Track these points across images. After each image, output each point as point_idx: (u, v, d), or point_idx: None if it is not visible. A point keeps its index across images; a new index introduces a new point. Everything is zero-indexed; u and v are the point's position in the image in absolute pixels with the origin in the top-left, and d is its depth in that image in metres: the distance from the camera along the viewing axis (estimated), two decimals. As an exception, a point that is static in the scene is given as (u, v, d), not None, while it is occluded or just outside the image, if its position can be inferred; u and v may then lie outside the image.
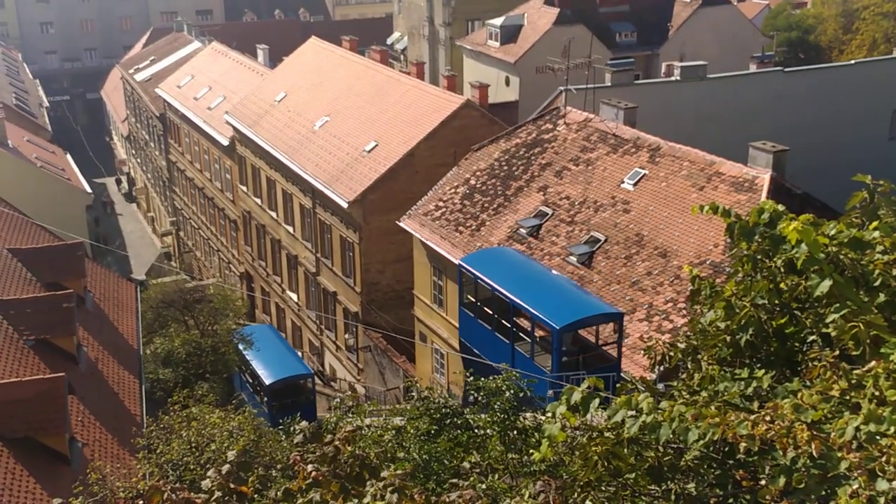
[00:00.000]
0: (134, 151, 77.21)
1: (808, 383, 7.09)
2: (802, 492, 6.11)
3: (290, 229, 44.27)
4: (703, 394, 7.34)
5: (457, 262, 28.52)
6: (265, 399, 34.86)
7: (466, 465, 11.92)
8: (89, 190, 49.64)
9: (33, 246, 29.76)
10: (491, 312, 26.55)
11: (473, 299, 27.65)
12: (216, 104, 52.23)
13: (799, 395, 6.72)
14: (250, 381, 36.90)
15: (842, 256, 7.58)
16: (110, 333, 28.90)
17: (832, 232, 7.80)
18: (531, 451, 12.31)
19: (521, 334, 25.47)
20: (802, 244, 7.50)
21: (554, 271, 27.17)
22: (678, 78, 40.97)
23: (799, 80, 43.43)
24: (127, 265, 59.54)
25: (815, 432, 6.17)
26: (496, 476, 12.31)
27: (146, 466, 19.29)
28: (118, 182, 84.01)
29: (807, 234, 7.49)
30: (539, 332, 24.91)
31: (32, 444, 20.71)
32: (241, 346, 35.77)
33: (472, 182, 34.01)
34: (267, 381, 34.82)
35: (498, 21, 58.60)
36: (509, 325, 25.47)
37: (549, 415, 7.45)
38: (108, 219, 70.69)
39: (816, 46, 71.52)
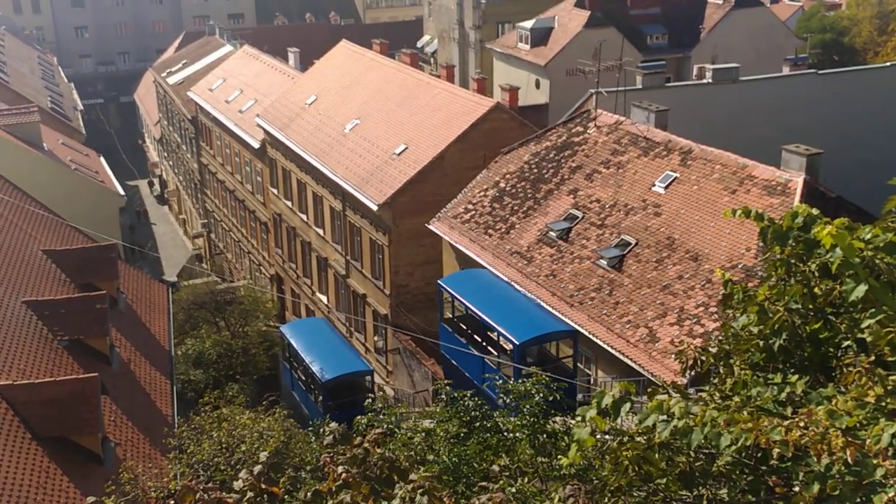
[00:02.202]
0: (166, 154, 77.93)
1: (842, 389, 7.00)
2: (837, 499, 6.03)
3: (321, 232, 44.46)
4: (736, 399, 7.26)
5: (439, 282, 31.16)
6: (320, 398, 32.14)
7: (496, 468, 11.89)
8: (122, 192, 50.16)
9: (67, 247, 30.13)
10: (465, 328, 29.49)
11: (451, 316, 30.45)
12: (247, 107, 52.59)
13: (833, 401, 6.64)
14: (303, 378, 34.37)
15: (877, 261, 7.48)
16: (142, 334, 29.18)
17: (867, 236, 7.69)
18: (561, 455, 12.26)
19: (490, 348, 28.08)
20: (837, 248, 7.40)
21: (522, 290, 29.22)
22: (710, 80, 40.68)
23: (833, 82, 42.98)
24: (159, 267, 60.10)
25: (850, 439, 6.09)
26: (526, 479, 12.27)
27: (177, 466, 19.45)
28: (150, 184, 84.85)
29: (841, 239, 7.39)
30: (507, 346, 26.98)
31: (66, 443, 20.96)
32: (291, 341, 34.24)
33: (502, 185, 33.98)
34: (322, 379, 31.83)
35: (528, 24, 58.54)
36: (480, 340, 28.38)
37: (579, 419, 7.41)
38: (143, 228, 71.43)
39: (851, 48, 70.79)
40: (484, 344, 28.39)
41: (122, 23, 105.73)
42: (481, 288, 29.66)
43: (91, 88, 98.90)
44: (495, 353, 27.67)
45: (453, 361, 30.35)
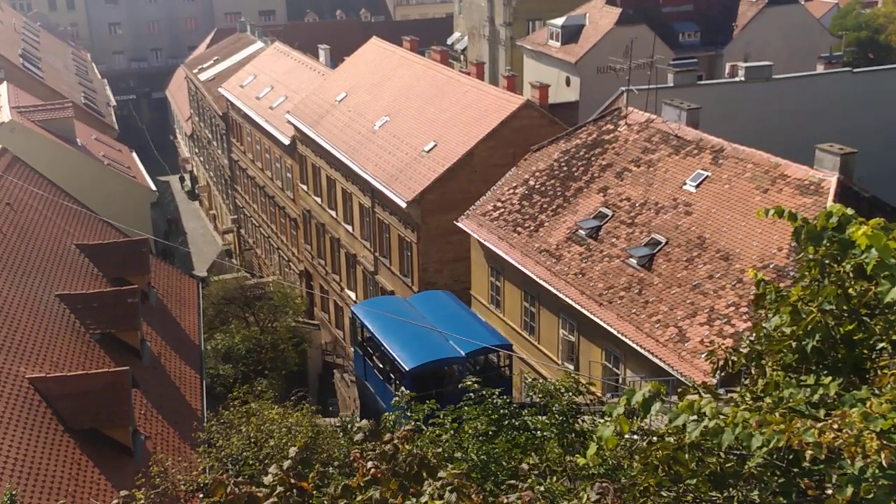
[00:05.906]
0: (197, 150, 78.50)
1: (877, 391, 6.91)
2: (871, 502, 5.96)
3: (350, 228, 44.60)
4: (768, 400, 7.19)
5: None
6: (403, 389, 27.77)
7: (524, 466, 11.87)
8: (154, 188, 50.59)
9: (100, 242, 30.43)
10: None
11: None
12: (278, 104, 52.84)
13: (868, 403, 6.55)
14: (380, 366, 31.23)
15: (914, 262, 7.37)
16: (173, 329, 29.41)
17: (904, 237, 7.58)
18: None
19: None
20: (872, 249, 7.31)
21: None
22: (742, 78, 40.35)
23: (868, 81, 42.47)
24: (189, 262, 60.55)
25: (885, 441, 6.01)
26: (554, 478, 12.23)
27: (206, 460, 19.57)
28: (181, 180, 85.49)
29: (877, 239, 7.29)
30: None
31: (98, 435, 21.18)
32: (366, 323, 31.67)
33: (531, 183, 33.90)
34: (407, 367, 28.15)
35: (559, 21, 58.33)
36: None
37: (607, 417, 7.37)
38: (175, 237, 72.03)
39: (887, 46, 69.92)
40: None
41: (155, 20, 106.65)
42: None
43: (124, 84, 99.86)
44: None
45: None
